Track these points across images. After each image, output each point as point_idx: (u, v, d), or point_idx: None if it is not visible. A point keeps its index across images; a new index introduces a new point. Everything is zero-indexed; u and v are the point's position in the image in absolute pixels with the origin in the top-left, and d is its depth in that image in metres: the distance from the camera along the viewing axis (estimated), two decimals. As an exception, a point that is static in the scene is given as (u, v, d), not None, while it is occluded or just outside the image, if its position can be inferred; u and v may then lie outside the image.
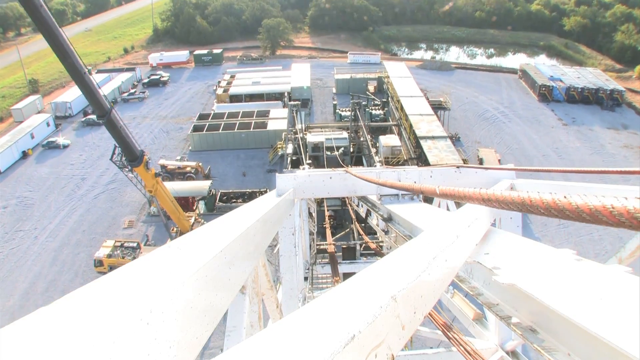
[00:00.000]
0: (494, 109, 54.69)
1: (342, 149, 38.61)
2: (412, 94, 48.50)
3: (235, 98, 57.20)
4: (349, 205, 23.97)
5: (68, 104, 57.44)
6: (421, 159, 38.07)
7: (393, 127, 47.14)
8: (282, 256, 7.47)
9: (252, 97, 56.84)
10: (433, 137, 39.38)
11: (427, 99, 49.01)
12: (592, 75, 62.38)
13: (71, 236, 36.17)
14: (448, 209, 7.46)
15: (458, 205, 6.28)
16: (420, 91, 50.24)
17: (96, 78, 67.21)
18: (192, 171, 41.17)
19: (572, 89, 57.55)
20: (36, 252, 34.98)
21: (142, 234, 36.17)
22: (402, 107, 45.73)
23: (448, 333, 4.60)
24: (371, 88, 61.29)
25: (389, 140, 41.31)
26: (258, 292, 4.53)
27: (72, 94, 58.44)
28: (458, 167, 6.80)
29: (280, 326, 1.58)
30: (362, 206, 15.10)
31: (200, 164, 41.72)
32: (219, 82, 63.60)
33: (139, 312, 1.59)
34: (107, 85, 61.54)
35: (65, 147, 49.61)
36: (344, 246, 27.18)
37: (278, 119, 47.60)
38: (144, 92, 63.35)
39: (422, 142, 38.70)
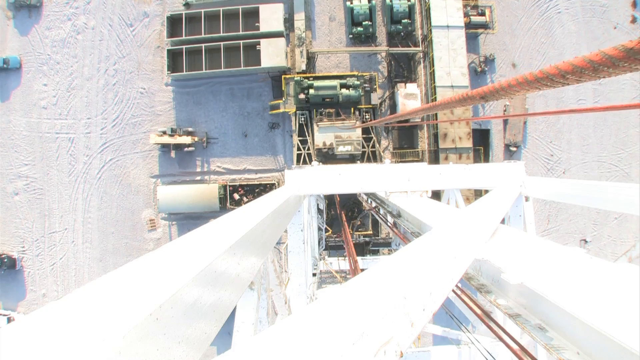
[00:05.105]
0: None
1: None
2: (448, 22, 38.35)
3: None
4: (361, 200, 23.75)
5: None
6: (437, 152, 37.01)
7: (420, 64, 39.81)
8: (290, 252, 7.51)
9: None
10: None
11: (470, 16, 40.08)
12: None
13: (105, 242, 36.83)
14: (457, 206, 7.44)
15: (467, 202, 6.26)
16: (461, 13, 40.10)
17: None
18: (190, 144, 40.81)
19: None
20: (85, 263, 35.48)
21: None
22: (432, 42, 38.72)
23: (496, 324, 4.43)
24: None
25: (408, 102, 37.40)
26: (267, 288, 4.54)
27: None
28: (468, 164, 6.85)
29: (289, 323, 1.59)
30: (371, 202, 15.08)
31: (196, 138, 40.87)
32: None
33: (148, 307, 1.61)
34: None
35: (17, 68, 42.70)
36: (354, 242, 27.06)
37: (273, 35, 37.23)
38: None
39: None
